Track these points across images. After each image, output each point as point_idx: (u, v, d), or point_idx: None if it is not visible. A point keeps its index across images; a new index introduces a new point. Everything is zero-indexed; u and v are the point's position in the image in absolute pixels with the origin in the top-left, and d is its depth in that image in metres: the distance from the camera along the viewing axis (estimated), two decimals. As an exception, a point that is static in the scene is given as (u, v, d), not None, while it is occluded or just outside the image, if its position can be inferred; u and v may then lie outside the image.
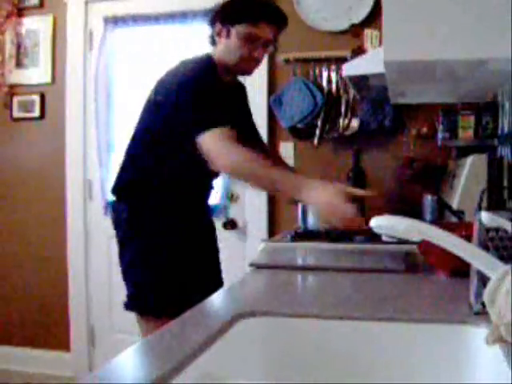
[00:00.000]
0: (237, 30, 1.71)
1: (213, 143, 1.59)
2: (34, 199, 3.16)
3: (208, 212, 1.99)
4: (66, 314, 3.11)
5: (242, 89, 2.05)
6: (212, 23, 1.77)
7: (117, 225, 1.81)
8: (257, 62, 1.80)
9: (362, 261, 1.52)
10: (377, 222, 0.81)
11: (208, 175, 1.86)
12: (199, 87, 1.65)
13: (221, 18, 1.74)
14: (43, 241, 3.14)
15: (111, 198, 1.87)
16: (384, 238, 1.58)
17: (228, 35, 1.73)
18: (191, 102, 1.64)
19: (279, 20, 1.77)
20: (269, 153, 2.12)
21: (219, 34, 1.75)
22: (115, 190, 1.84)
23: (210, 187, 1.95)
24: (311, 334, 0.95)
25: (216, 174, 1.88)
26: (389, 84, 1.62)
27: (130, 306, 1.76)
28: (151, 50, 2.99)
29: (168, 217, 1.77)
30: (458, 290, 1.12)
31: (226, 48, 1.74)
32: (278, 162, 2.10)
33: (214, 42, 1.80)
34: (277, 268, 1.47)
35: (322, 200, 1.48)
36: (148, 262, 1.74)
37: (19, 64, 3.15)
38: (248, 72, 1.84)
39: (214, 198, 2.85)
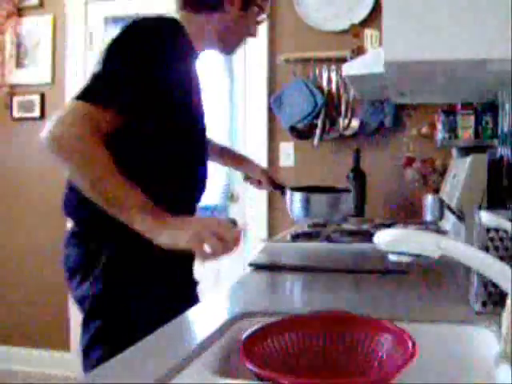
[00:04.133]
0: (257, 2, 1.44)
1: (62, 112, 1.17)
2: (34, 199, 3.16)
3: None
4: (66, 314, 3.10)
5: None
6: None
7: (82, 268, 1.29)
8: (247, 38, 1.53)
9: (362, 261, 1.52)
10: (386, 238, 0.71)
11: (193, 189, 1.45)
12: (140, 44, 1.28)
13: None
14: (43, 240, 3.14)
15: (70, 225, 1.35)
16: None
17: (245, 6, 1.42)
18: (119, 53, 1.26)
19: None
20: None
21: (231, 2, 1.41)
22: (78, 215, 1.32)
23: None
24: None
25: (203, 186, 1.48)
26: (389, 84, 1.62)
27: None
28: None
29: (155, 257, 1.23)
30: (457, 289, 1.12)
31: (240, 20, 1.44)
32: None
33: (212, 8, 1.42)
34: (276, 268, 1.47)
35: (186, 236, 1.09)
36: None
37: (19, 64, 3.15)
38: (235, 50, 1.54)
39: (214, 198, 2.86)
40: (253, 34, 1.50)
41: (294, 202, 1.84)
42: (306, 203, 1.82)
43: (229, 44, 1.49)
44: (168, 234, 1.09)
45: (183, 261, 1.39)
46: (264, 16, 1.50)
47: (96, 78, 1.21)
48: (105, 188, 1.12)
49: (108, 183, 1.12)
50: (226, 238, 1.07)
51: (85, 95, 1.18)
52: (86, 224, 1.31)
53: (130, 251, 1.26)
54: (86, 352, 1.29)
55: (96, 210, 1.15)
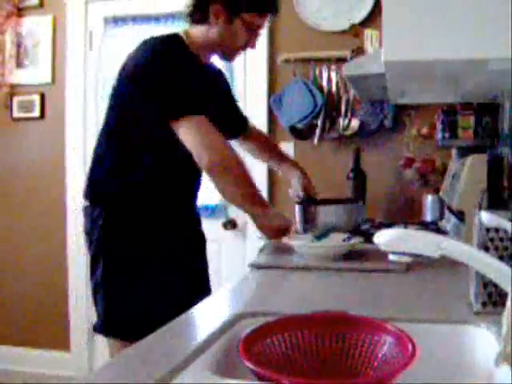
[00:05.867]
0: (243, 18, 1.63)
1: (191, 138, 1.52)
2: (34, 199, 3.16)
3: (197, 220, 1.87)
4: (65, 313, 3.10)
5: (220, 74, 1.95)
6: (209, 2, 1.64)
7: (90, 232, 1.66)
8: (246, 49, 1.73)
9: (362, 261, 1.52)
10: (386, 238, 0.70)
11: (192, 173, 1.75)
12: (166, 69, 1.56)
13: (225, 1, 1.63)
14: (43, 241, 3.14)
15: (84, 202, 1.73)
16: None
17: (230, 20, 1.63)
18: (157, 87, 1.55)
19: (278, 11, 1.74)
20: (265, 139, 2.18)
21: (216, 16, 1.63)
22: (88, 193, 1.70)
23: (197, 188, 1.83)
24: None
25: (199, 171, 1.77)
26: (389, 84, 1.62)
27: (105, 329, 1.69)
28: (151, 50, 2.99)
29: (149, 223, 1.65)
30: (457, 289, 1.12)
31: (226, 32, 1.65)
32: (274, 149, 2.14)
33: (201, 21, 1.67)
34: (277, 268, 1.47)
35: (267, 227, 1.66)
36: (127, 279, 1.61)
37: (19, 64, 3.15)
38: (233, 59, 1.77)
39: (214, 199, 2.86)
40: (251, 46, 1.71)
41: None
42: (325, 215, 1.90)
43: (227, 52, 1.71)
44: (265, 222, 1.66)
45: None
46: (260, 31, 1.71)
47: (169, 98, 1.54)
48: (247, 196, 1.62)
49: (249, 195, 1.62)
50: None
51: (188, 111, 1.52)
52: (93, 201, 1.68)
53: (119, 217, 1.63)
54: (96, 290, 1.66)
55: (98, 194, 1.67)
